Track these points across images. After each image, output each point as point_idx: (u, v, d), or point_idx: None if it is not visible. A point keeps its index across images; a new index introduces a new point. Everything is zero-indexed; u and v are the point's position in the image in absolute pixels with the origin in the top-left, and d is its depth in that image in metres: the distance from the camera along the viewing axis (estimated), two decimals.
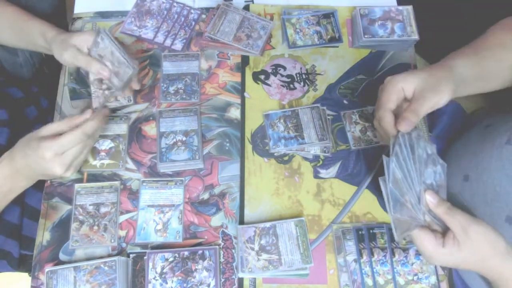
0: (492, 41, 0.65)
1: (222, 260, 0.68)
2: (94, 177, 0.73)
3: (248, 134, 0.77)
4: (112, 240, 0.68)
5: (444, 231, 0.55)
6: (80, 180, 0.73)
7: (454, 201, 0.56)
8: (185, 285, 0.65)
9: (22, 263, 0.81)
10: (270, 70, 0.82)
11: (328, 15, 0.85)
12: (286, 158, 0.75)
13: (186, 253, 0.66)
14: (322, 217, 0.71)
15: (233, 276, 0.67)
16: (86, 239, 0.68)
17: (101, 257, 0.66)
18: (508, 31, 0.65)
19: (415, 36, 0.81)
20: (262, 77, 0.81)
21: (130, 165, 0.74)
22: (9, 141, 0.74)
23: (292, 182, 0.74)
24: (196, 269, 0.66)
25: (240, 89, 0.80)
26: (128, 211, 0.71)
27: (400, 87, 0.59)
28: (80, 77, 0.80)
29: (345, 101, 0.80)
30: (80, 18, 0.86)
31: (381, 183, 0.57)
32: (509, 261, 0.53)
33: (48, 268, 0.64)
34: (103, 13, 0.86)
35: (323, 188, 0.73)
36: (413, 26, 0.81)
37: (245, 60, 0.83)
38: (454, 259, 0.54)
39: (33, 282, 0.66)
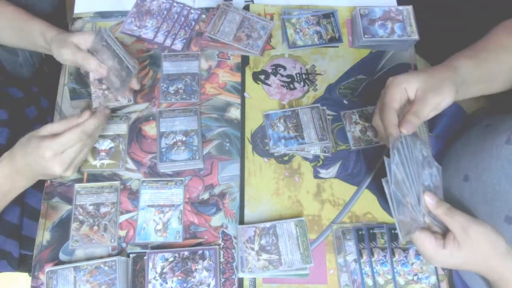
0: (494, 43, 0.65)
1: (222, 260, 0.68)
2: (94, 177, 0.73)
3: (248, 134, 0.77)
4: (112, 240, 0.68)
5: (444, 233, 0.55)
6: (80, 180, 0.73)
7: (454, 201, 0.55)
8: (185, 285, 0.65)
9: (22, 263, 0.81)
10: (270, 70, 0.82)
11: (328, 15, 0.85)
12: (286, 158, 0.75)
13: (186, 253, 0.66)
14: (322, 217, 0.71)
15: (233, 276, 0.67)
16: (86, 239, 0.68)
17: (101, 257, 0.66)
18: (510, 33, 0.65)
19: (415, 36, 0.81)
20: (262, 77, 0.81)
21: (130, 165, 0.74)
22: (9, 141, 0.74)
23: (292, 182, 0.74)
24: (196, 269, 0.66)
25: (240, 89, 0.80)
26: (128, 211, 0.71)
27: (403, 87, 0.59)
28: (80, 77, 0.80)
29: (345, 101, 0.80)
30: (80, 18, 0.86)
31: (384, 184, 0.57)
32: (509, 261, 0.53)
33: (48, 268, 0.64)
34: (103, 13, 0.86)
35: (323, 188, 0.73)
36: (413, 26, 0.81)
37: (245, 60, 0.83)
38: (454, 260, 0.54)
39: (33, 282, 0.66)
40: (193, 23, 0.85)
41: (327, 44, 0.84)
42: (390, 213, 0.71)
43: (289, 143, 0.74)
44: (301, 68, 0.82)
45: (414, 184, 0.55)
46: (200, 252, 0.67)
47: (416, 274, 0.66)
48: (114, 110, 0.77)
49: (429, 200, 0.55)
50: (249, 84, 0.81)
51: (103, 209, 0.70)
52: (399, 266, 0.66)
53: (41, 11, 0.77)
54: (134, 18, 0.84)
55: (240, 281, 0.67)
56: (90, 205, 0.70)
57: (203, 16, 0.86)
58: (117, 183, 0.72)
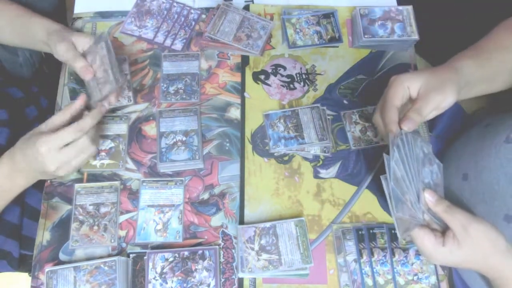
0: (495, 43, 0.65)
1: (222, 260, 0.68)
2: (94, 177, 0.73)
3: (248, 134, 0.77)
4: (112, 240, 0.68)
5: (443, 230, 0.55)
6: (80, 180, 0.73)
7: (453, 200, 0.55)
8: (185, 285, 0.65)
9: (22, 263, 0.81)
10: (270, 70, 0.82)
11: (328, 15, 0.85)
12: (286, 158, 0.75)
13: (186, 253, 0.66)
14: (322, 217, 0.71)
15: (233, 276, 0.67)
16: (86, 239, 0.68)
17: (101, 257, 0.66)
18: (511, 32, 0.65)
19: (415, 36, 0.81)
20: (262, 77, 0.81)
21: (130, 165, 0.74)
22: (9, 141, 0.74)
23: (292, 182, 0.74)
24: (196, 269, 0.66)
25: (240, 89, 0.80)
26: (128, 211, 0.71)
27: (406, 85, 0.59)
28: (80, 77, 0.80)
29: (345, 101, 0.80)
30: (80, 18, 0.86)
31: (383, 181, 0.57)
32: (509, 259, 0.53)
33: (48, 268, 0.64)
34: (103, 13, 0.86)
35: (323, 188, 0.73)
36: (413, 26, 0.81)
37: (245, 60, 0.83)
38: (454, 258, 0.54)
39: (33, 282, 0.66)
40: (193, 23, 0.85)
41: (327, 44, 0.84)
42: (390, 213, 0.71)
43: (289, 143, 0.74)
44: (301, 68, 0.82)
45: (414, 182, 0.55)
46: (200, 252, 0.67)
47: (416, 274, 0.66)
48: (114, 110, 0.77)
49: (429, 197, 0.55)
50: (249, 84, 0.81)
51: (103, 209, 0.70)
52: (399, 266, 0.66)
53: (41, 11, 0.77)
54: (134, 18, 0.84)
55: (240, 281, 0.67)
56: (90, 205, 0.70)
57: (203, 16, 0.86)
58: (117, 183, 0.72)
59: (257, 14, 0.84)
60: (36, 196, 0.77)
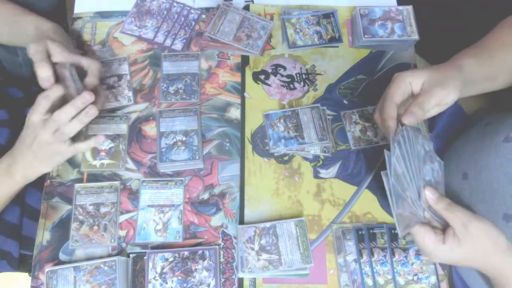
0: (497, 41, 0.65)
1: (222, 260, 0.68)
2: (94, 177, 0.73)
3: (248, 134, 0.77)
4: (112, 240, 0.68)
5: (444, 228, 0.55)
6: (80, 180, 0.73)
7: (453, 199, 0.55)
8: (185, 285, 0.65)
9: (22, 263, 0.81)
10: (270, 70, 0.82)
11: (328, 15, 0.85)
12: (286, 158, 0.75)
13: (186, 253, 0.66)
14: (322, 217, 0.71)
15: (233, 276, 0.67)
16: (86, 239, 0.68)
17: (101, 257, 0.66)
18: None
19: (415, 36, 0.81)
20: (262, 77, 0.81)
21: (130, 165, 0.74)
22: (9, 141, 0.74)
23: (292, 182, 0.74)
24: (196, 269, 0.66)
25: (240, 89, 0.80)
26: (128, 211, 0.71)
27: (408, 81, 0.59)
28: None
29: (345, 101, 0.80)
30: (80, 18, 0.86)
31: (383, 177, 0.56)
32: (510, 257, 0.53)
33: (48, 268, 0.64)
34: (103, 13, 0.86)
35: (323, 188, 0.73)
36: (413, 26, 0.81)
37: (245, 60, 0.83)
38: (454, 256, 0.54)
39: (33, 282, 0.66)
40: (193, 23, 0.85)
41: (327, 44, 0.84)
42: (390, 213, 0.71)
43: (289, 143, 0.74)
44: (301, 68, 0.82)
45: (414, 178, 0.55)
46: (200, 252, 0.67)
47: (416, 274, 0.66)
48: (114, 110, 0.77)
49: (429, 195, 0.55)
50: (249, 84, 0.81)
51: (103, 209, 0.70)
52: (399, 266, 0.66)
53: (41, 11, 0.76)
54: (134, 18, 0.84)
55: (240, 281, 0.67)
56: (90, 205, 0.70)
57: (203, 16, 0.86)
58: (117, 183, 0.72)
59: (257, 14, 0.84)
60: (36, 196, 0.77)
